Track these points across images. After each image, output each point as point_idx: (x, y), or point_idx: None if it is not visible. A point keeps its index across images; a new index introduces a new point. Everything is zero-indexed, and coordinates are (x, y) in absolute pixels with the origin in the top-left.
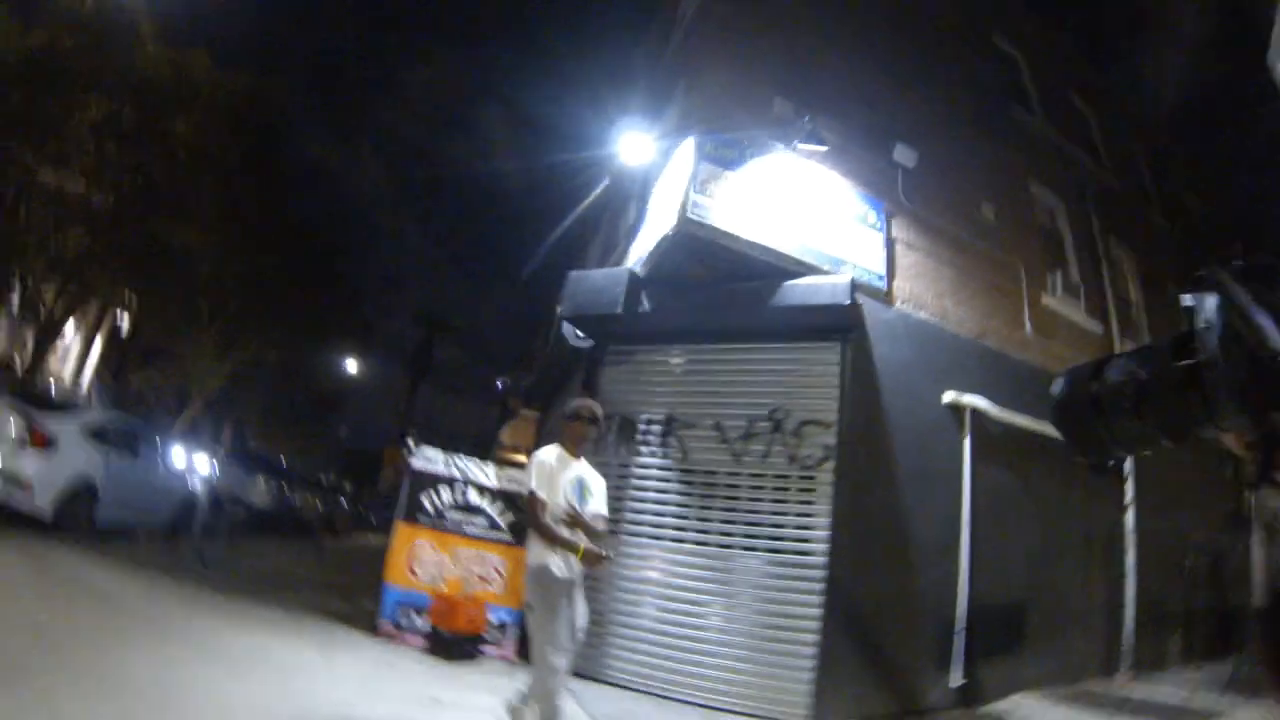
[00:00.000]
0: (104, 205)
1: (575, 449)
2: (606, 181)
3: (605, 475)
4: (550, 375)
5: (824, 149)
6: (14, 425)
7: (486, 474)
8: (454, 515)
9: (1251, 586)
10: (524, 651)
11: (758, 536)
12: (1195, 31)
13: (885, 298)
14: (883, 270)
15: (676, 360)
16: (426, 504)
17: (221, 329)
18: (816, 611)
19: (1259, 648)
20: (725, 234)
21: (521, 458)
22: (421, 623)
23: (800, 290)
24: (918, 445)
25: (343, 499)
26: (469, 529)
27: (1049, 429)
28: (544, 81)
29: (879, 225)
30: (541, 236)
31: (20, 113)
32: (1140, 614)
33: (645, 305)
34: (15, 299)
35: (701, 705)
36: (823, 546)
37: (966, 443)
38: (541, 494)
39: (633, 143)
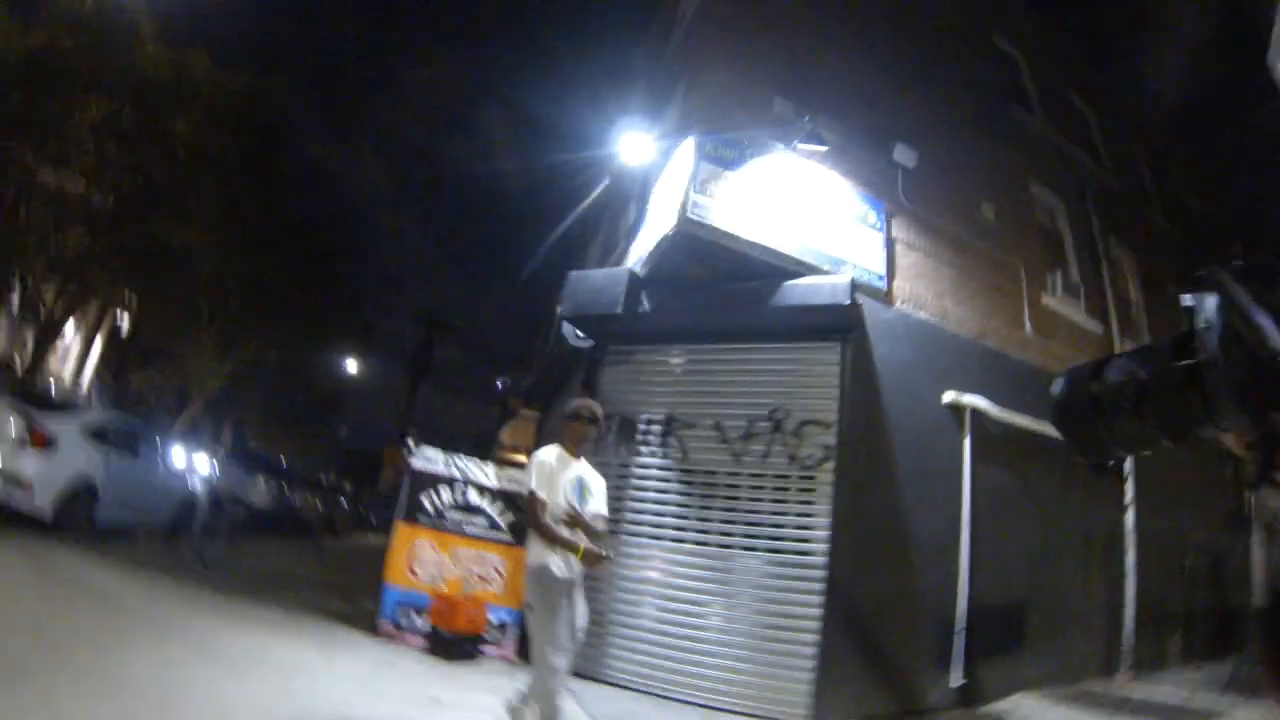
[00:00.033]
0: (104, 205)
1: (575, 449)
2: (606, 181)
3: (605, 475)
4: (550, 375)
5: (824, 149)
6: (14, 425)
7: (486, 474)
8: (454, 515)
9: (1251, 586)
10: (524, 651)
11: (758, 536)
12: (1195, 31)
13: (885, 298)
14: (883, 270)
15: (676, 360)
16: (426, 504)
17: (221, 329)
18: (816, 611)
19: (1259, 648)
20: (725, 234)
21: (521, 458)
22: (421, 623)
23: (800, 290)
24: (918, 445)
25: (343, 499)
26: (469, 529)
27: (1049, 429)
28: (544, 81)
29: (879, 225)
30: (541, 236)
31: (20, 113)
32: (1140, 614)
33: (645, 305)
34: (15, 299)
35: (701, 705)
36: (823, 546)
37: (966, 443)
38: (541, 494)
39: (633, 143)
